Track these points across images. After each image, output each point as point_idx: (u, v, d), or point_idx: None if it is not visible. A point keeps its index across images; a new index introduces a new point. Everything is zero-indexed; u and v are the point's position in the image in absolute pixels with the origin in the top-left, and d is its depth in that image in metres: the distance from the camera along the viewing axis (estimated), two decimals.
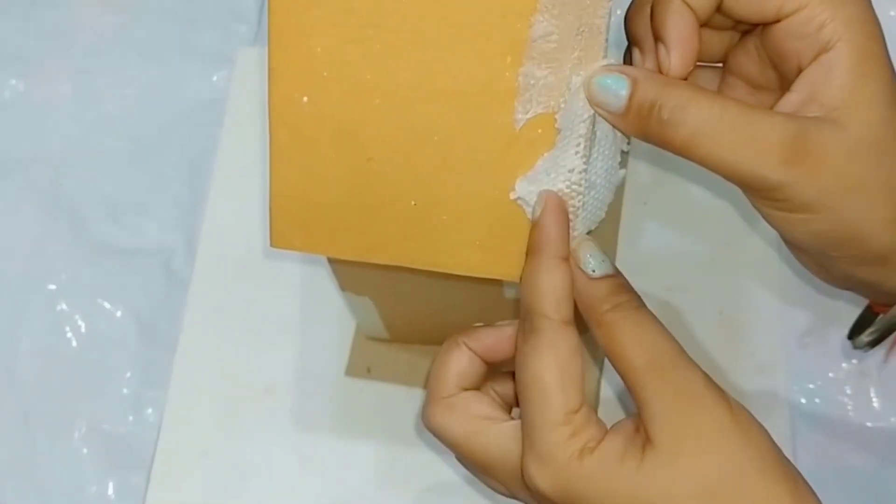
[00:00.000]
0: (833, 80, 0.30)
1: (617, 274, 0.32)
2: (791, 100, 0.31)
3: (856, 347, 0.38)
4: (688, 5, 0.31)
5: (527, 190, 0.32)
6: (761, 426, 0.31)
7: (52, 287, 0.57)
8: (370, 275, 0.36)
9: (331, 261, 0.39)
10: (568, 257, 0.32)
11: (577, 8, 0.30)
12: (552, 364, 0.31)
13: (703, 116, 0.30)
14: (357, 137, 0.33)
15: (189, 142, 0.60)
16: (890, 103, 0.30)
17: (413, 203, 0.33)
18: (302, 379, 0.52)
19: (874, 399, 0.50)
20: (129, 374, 0.54)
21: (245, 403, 0.52)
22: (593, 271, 0.32)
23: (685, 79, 0.31)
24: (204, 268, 0.56)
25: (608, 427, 0.32)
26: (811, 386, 0.50)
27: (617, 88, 0.31)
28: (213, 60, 0.62)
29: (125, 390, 0.54)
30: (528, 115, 0.31)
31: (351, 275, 0.41)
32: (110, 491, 0.52)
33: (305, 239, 0.35)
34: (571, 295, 0.32)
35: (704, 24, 0.32)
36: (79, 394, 0.54)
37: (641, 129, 0.31)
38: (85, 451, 0.53)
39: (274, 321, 0.54)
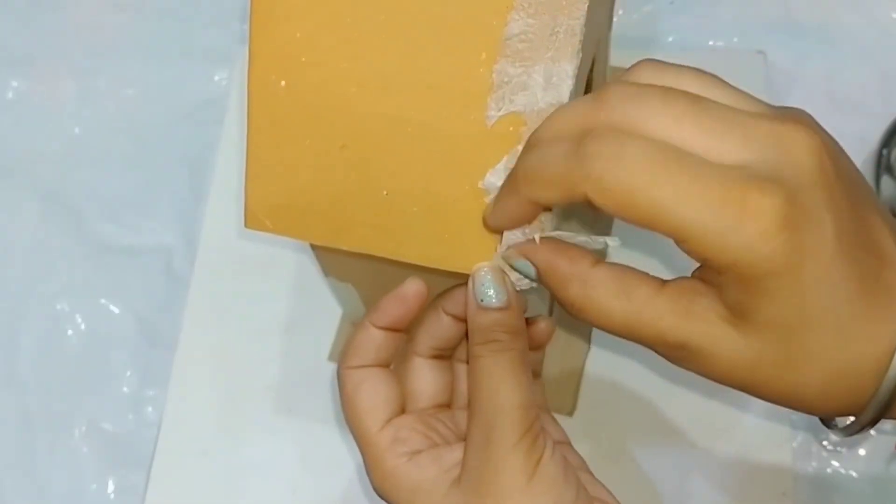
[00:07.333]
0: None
1: (506, 309, 0.32)
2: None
3: (840, 437, 0.34)
4: None
5: (495, 185, 0.32)
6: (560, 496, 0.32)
7: (53, 286, 0.57)
8: (351, 261, 0.36)
9: (313, 246, 0.39)
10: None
11: (552, 8, 0.30)
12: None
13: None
14: (332, 124, 0.33)
15: (189, 141, 0.60)
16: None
17: (384, 192, 0.33)
18: (302, 378, 0.52)
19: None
20: (129, 374, 0.54)
21: (245, 403, 0.52)
22: (481, 301, 0.32)
23: None
24: (204, 268, 0.56)
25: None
26: None
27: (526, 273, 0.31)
28: (213, 60, 0.62)
29: (125, 389, 0.54)
30: (501, 113, 0.31)
31: (333, 261, 0.41)
32: (110, 489, 0.52)
33: (277, 221, 0.35)
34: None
35: None
36: (79, 393, 0.54)
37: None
38: (85, 449, 0.53)
39: (274, 321, 0.54)
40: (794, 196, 0.25)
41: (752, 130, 0.26)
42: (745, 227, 0.25)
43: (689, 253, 0.26)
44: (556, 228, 0.31)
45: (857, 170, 0.28)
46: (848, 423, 0.30)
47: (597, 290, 0.29)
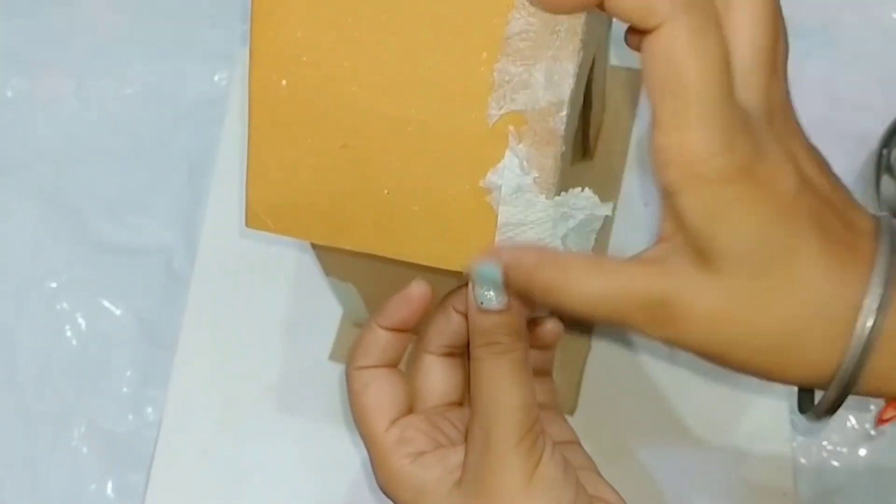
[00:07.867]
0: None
1: (507, 311, 0.32)
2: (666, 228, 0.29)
3: (811, 420, 0.33)
4: None
5: (495, 184, 0.32)
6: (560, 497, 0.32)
7: (53, 286, 0.57)
8: (352, 261, 0.37)
9: (314, 246, 0.39)
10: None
11: None
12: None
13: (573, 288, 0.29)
14: (333, 123, 0.33)
15: (189, 141, 0.60)
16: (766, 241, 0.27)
17: (385, 192, 0.33)
18: (302, 378, 0.52)
19: (874, 399, 0.50)
20: (129, 373, 0.54)
21: (245, 403, 0.52)
22: (481, 303, 0.32)
23: None
24: (204, 268, 0.56)
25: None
26: None
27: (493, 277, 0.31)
28: (213, 60, 0.62)
29: (125, 389, 0.54)
30: (502, 112, 0.32)
31: (334, 260, 0.41)
32: (110, 490, 0.52)
33: (278, 221, 0.35)
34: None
35: None
36: (79, 393, 0.54)
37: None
38: (85, 449, 0.53)
39: (274, 321, 0.54)
40: (764, 145, 0.27)
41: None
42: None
43: (653, 95, 0.27)
44: (560, 176, 0.32)
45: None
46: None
47: (569, 268, 0.29)
